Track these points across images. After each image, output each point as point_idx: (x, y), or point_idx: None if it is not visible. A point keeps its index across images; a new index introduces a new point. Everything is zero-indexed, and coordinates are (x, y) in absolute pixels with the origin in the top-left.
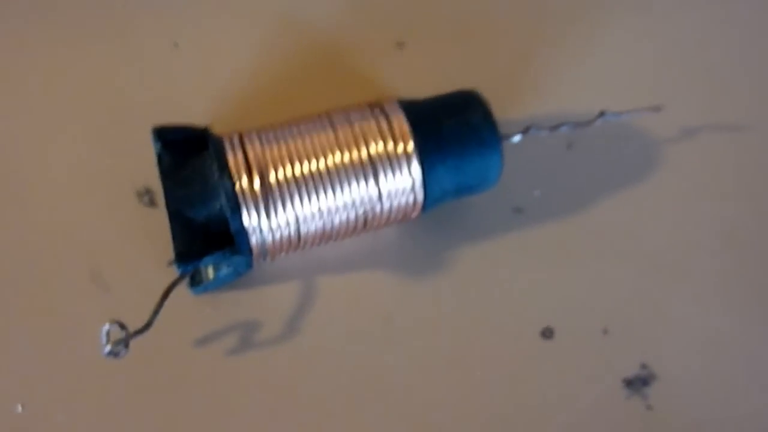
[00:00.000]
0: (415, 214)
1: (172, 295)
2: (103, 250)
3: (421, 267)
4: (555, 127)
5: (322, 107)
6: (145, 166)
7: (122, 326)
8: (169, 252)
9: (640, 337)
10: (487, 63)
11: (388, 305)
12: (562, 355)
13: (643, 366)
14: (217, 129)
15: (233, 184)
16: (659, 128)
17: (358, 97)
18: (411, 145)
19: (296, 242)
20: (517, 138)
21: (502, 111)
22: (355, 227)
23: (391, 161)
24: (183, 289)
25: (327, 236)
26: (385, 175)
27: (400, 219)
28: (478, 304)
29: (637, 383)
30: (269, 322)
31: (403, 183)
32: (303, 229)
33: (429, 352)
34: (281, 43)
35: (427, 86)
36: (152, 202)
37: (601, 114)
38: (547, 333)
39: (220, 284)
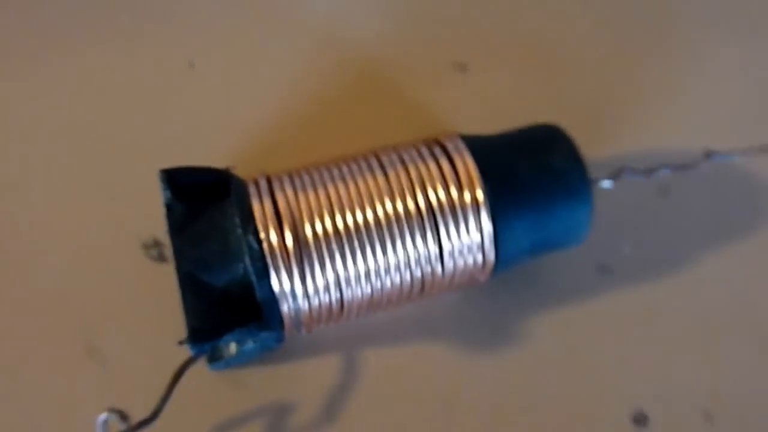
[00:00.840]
0: (483, 278)
1: (186, 372)
2: (102, 317)
3: (487, 339)
4: (652, 170)
5: (368, 144)
6: (153, 212)
7: (123, 416)
8: (182, 320)
9: (751, 425)
10: (565, 91)
11: (447, 385)
12: None
13: None
14: (241, 171)
15: (260, 241)
16: (755, 169)
17: (412, 129)
18: (480, 193)
19: (338, 311)
20: (606, 183)
21: (584, 150)
22: (411, 293)
23: (456, 212)
24: (200, 364)
25: (375, 304)
26: (448, 230)
27: (464, 283)
28: (557, 384)
29: None
30: (304, 405)
31: (471, 239)
32: (346, 296)
33: None
34: (320, 66)
35: (493, 118)
36: (161, 257)
37: (709, 154)
38: (640, 419)
39: (244, 360)
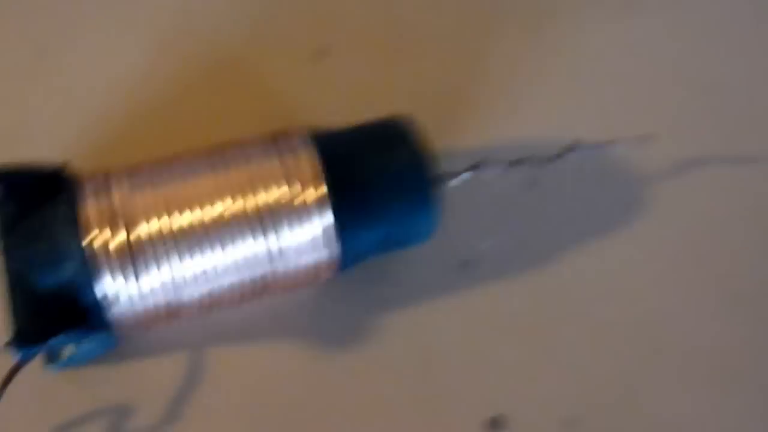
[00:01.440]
0: (328, 275)
1: (22, 370)
2: None
3: (341, 337)
4: (514, 163)
5: (224, 136)
6: None
7: None
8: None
9: (612, 430)
10: (426, 80)
11: (297, 386)
12: None
13: None
14: (85, 163)
15: (90, 241)
16: (645, 164)
17: (268, 120)
18: (322, 190)
19: (173, 311)
20: (463, 178)
21: (445, 141)
22: (251, 292)
23: (294, 210)
24: (36, 363)
25: (212, 304)
26: (288, 228)
27: (310, 281)
28: (411, 384)
29: None
30: (146, 405)
31: (310, 238)
32: (182, 296)
33: None
34: (174, 53)
35: (353, 107)
36: None
37: (573, 146)
38: (497, 423)
39: (84, 360)
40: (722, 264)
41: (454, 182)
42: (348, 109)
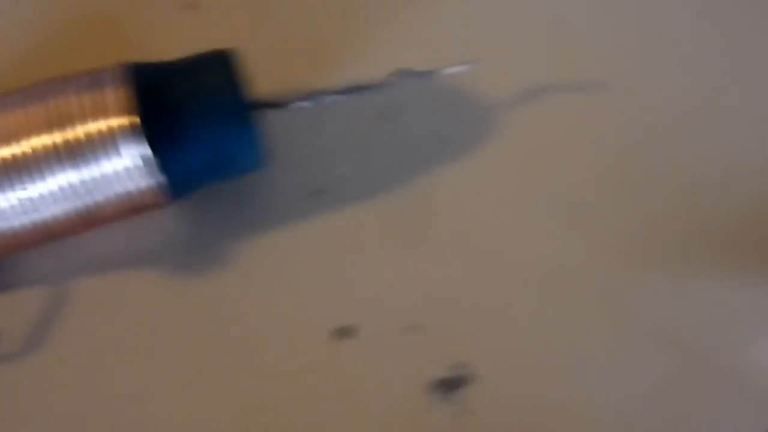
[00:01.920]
0: (158, 202)
1: None
2: None
3: (194, 263)
4: (345, 91)
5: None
6: None
7: None
8: None
9: (454, 334)
10: (280, 24)
11: (153, 309)
12: (361, 357)
13: (457, 366)
14: None
15: None
16: (491, 92)
17: (106, 58)
18: (133, 119)
19: (7, 240)
20: (296, 104)
21: (296, 77)
22: (80, 222)
23: (105, 140)
24: None
25: (48, 232)
26: (103, 158)
27: (143, 208)
28: (264, 302)
29: (449, 386)
30: (6, 333)
31: (125, 165)
32: (6, 226)
33: (202, 363)
34: (35, 6)
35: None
36: None
37: (398, 73)
38: (345, 331)
39: None
40: (561, 185)
41: (292, 107)
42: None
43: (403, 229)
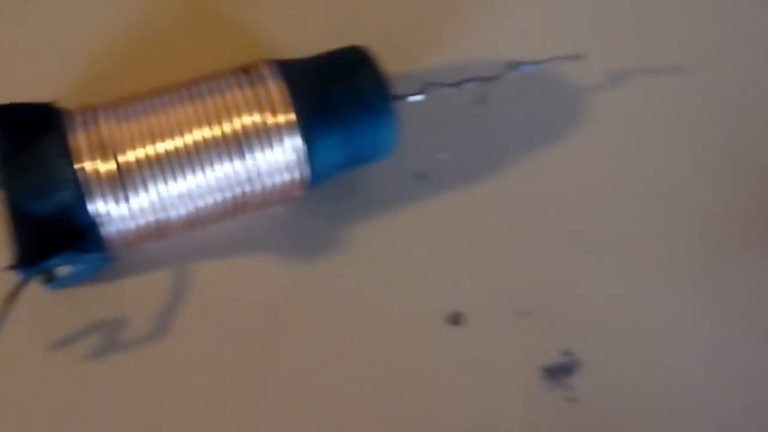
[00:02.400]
0: (299, 193)
1: (21, 293)
2: None
3: (311, 248)
4: (460, 83)
5: (190, 68)
6: None
7: None
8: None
9: (562, 320)
10: (381, 9)
11: (274, 294)
12: (472, 342)
13: (566, 352)
14: (72, 100)
15: (81, 169)
16: (582, 78)
17: (231, 53)
18: (291, 115)
19: (159, 231)
20: (416, 98)
21: (399, 65)
22: (229, 210)
23: (267, 134)
24: (35, 283)
25: (196, 222)
26: (261, 151)
27: (283, 198)
28: (377, 288)
29: (558, 372)
30: (137, 319)
31: (282, 159)
32: (166, 216)
33: (321, 347)
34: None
35: (312, 38)
36: None
37: (513, 65)
38: (456, 318)
39: (79, 279)
40: (649, 166)
41: (409, 101)
42: (308, 40)
43: (505, 214)
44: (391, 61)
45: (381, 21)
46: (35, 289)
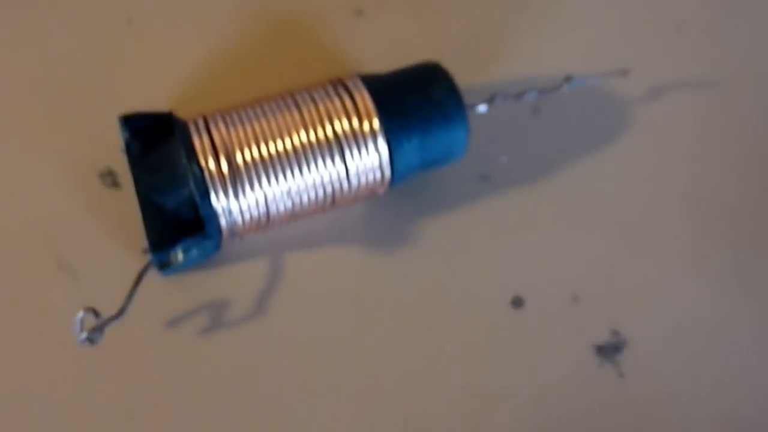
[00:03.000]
0: (382, 191)
1: (145, 276)
2: (68, 236)
3: (388, 241)
4: (520, 95)
5: (284, 82)
6: (103, 146)
7: (96, 313)
8: (135, 234)
9: (611, 305)
10: (448, 29)
11: (356, 281)
12: (532, 323)
13: (614, 332)
14: (179, 112)
15: (201, 168)
16: (627, 91)
17: (319, 69)
18: (376, 123)
19: (265, 222)
20: (482, 108)
21: (465, 79)
22: (323, 205)
23: (357, 139)
24: (151, 272)
25: (295, 215)
26: (352, 153)
27: (367, 196)
28: (447, 276)
29: (609, 350)
30: (238, 301)
31: (370, 160)
32: (272, 209)
33: (398, 328)
34: (239, 19)
35: (389, 55)
36: (115, 183)
37: (568, 79)
38: (517, 302)
39: (189, 266)
40: (690, 170)
41: (475, 112)
42: (382, 58)
43: (560, 211)
44: (460, 74)
45: (450, 38)
46: (151, 275)
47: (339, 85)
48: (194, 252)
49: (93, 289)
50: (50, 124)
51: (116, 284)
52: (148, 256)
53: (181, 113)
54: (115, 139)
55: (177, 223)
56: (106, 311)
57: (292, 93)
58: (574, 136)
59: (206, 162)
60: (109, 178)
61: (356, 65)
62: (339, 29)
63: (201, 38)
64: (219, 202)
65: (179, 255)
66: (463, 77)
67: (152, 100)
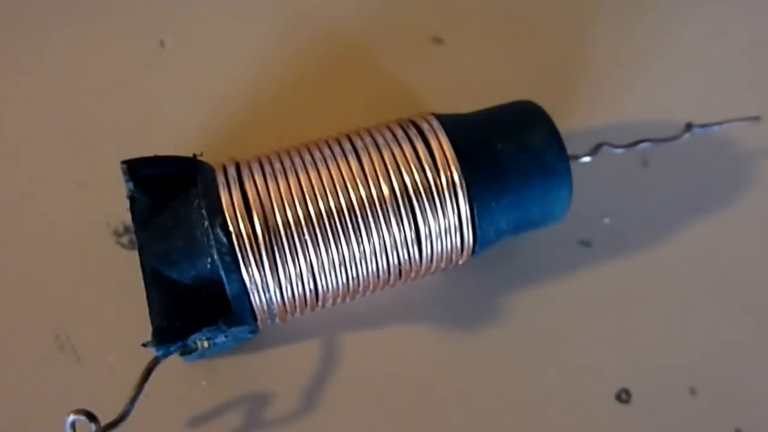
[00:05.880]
0: (462, 260)
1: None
2: (72, 307)
3: (468, 319)
4: (633, 145)
5: (343, 122)
6: (123, 198)
7: (91, 417)
8: None
9: (735, 399)
10: (541, 64)
11: (428, 370)
12: (641, 422)
13: None
14: (212, 156)
15: (228, 233)
16: (756, 141)
17: (388, 105)
18: (456, 174)
19: (312, 301)
20: (586, 159)
21: (562, 124)
22: (388, 279)
23: (432, 195)
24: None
25: (352, 292)
26: (424, 214)
27: (444, 267)
28: (539, 362)
29: None
30: (281, 394)
31: (448, 222)
32: (320, 285)
33: (478, 426)
34: (292, 42)
35: (471, 92)
36: (133, 244)
37: (689, 127)
38: (624, 395)
39: (218, 351)
40: None
41: (580, 162)
42: (465, 93)
43: (673, 283)
44: (556, 118)
45: (545, 75)
46: (170, 360)
47: (410, 126)
48: (223, 337)
49: (97, 377)
50: (60, 171)
51: (126, 372)
52: (151, 348)
53: (215, 152)
54: None
55: (194, 304)
56: (110, 408)
57: (350, 136)
58: (691, 193)
59: (234, 225)
60: (126, 237)
61: (432, 103)
62: (413, 59)
63: (246, 64)
64: (251, 277)
65: (204, 341)
66: (559, 121)
67: (183, 136)
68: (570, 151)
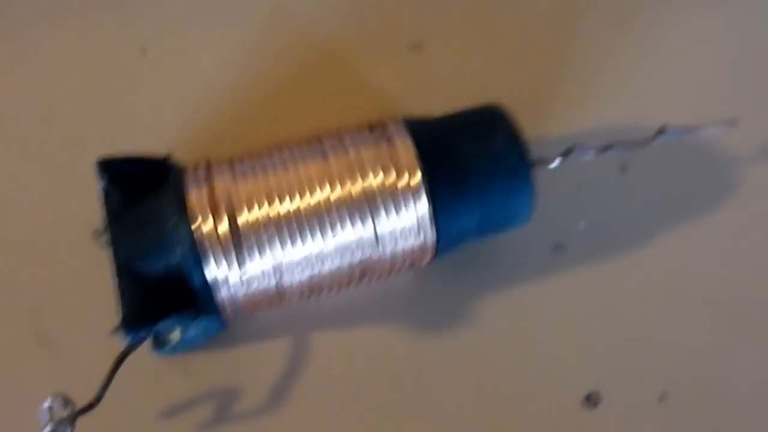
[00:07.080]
0: (426, 261)
1: (132, 357)
2: (52, 304)
3: (439, 321)
4: (604, 149)
5: (321, 126)
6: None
7: (67, 401)
8: None
9: (706, 405)
10: (518, 68)
11: (397, 369)
12: (609, 427)
13: None
14: (188, 156)
15: (196, 228)
16: (733, 147)
17: (366, 109)
18: (418, 177)
19: (277, 297)
20: (556, 163)
21: (536, 128)
22: (351, 278)
23: (392, 196)
24: (146, 349)
25: (315, 289)
26: (386, 214)
27: (407, 267)
28: (508, 365)
29: None
30: (251, 390)
31: (409, 223)
32: (285, 281)
33: (447, 426)
34: (272, 47)
35: (448, 97)
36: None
37: (662, 131)
38: (593, 399)
39: (190, 345)
40: None
41: (548, 167)
42: (442, 99)
43: (647, 288)
44: (527, 122)
45: (523, 80)
46: (144, 355)
47: (377, 128)
48: (193, 330)
49: (75, 368)
50: (35, 170)
51: (103, 363)
52: (121, 336)
53: (193, 155)
54: None
55: (161, 295)
56: (87, 396)
57: (320, 137)
58: (667, 199)
59: (201, 221)
60: (105, 237)
61: (406, 107)
62: (390, 64)
63: (226, 69)
64: (215, 271)
65: (175, 333)
66: (533, 126)
67: (163, 140)
68: (542, 154)
